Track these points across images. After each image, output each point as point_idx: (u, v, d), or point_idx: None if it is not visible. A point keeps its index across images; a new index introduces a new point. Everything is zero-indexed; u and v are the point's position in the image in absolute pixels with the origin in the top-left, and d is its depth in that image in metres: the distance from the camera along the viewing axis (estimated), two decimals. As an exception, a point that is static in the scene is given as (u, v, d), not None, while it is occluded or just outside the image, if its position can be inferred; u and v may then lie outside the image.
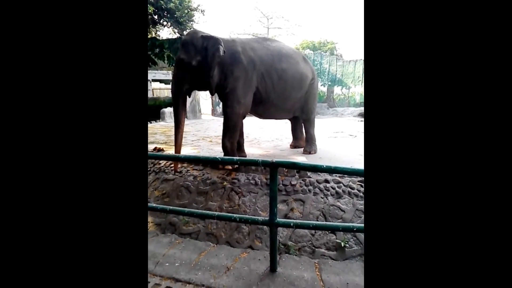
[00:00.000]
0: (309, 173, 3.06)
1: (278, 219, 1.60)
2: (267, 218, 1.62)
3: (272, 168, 1.58)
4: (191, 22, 12.28)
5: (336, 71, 14.31)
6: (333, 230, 2.46)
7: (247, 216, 2.32)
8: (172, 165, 3.41)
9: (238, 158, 1.89)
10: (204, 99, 11.66)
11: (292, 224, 1.64)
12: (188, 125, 7.42)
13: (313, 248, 2.56)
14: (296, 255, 2.06)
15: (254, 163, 1.75)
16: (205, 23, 28.45)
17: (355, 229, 1.56)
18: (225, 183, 3.06)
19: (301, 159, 3.70)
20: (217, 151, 3.95)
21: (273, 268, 1.62)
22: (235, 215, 1.82)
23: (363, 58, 14.54)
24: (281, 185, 2.98)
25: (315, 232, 2.61)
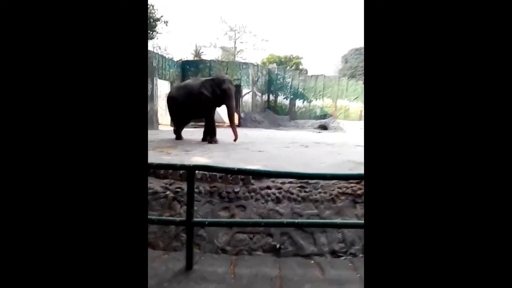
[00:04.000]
0: (252, 181, 3.18)
1: (194, 219, 1.68)
2: (184, 219, 1.70)
3: (189, 171, 1.68)
4: (153, 32, 12.24)
5: (298, 85, 14.95)
6: (243, 225, 2.60)
7: (163, 217, 2.40)
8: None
9: (157, 163, 2.01)
10: (162, 109, 11.51)
11: (206, 222, 1.75)
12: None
13: (251, 251, 2.65)
14: (216, 254, 2.14)
15: (172, 167, 1.84)
16: (169, 34, 28.18)
17: (262, 223, 1.72)
18: (167, 192, 3.08)
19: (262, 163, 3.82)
20: (164, 160, 3.94)
21: (189, 266, 1.69)
22: (153, 217, 1.88)
23: (324, 74, 15.39)
24: (224, 192, 3.06)
25: (253, 236, 2.71)
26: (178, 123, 6.75)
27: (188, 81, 6.86)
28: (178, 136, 6.61)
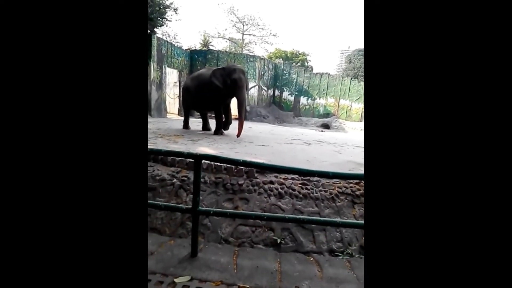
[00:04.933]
0: (256, 174, 3.25)
1: (200, 207, 1.75)
2: (190, 207, 1.77)
3: (196, 160, 1.74)
4: (163, 20, 12.16)
5: (303, 82, 14.93)
6: (247, 218, 2.68)
7: (171, 204, 2.50)
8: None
9: (165, 149, 2.10)
10: (171, 98, 11.52)
11: (211, 212, 1.81)
12: (151, 123, 7.36)
13: (252, 244, 2.73)
14: (219, 244, 2.22)
15: (180, 154, 1.92)
16: (178, 22, 28.15)
17: (265, 217, 1.81)
18: (174, 180, 3.14)
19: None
20: (171, 148, 4.00)
21: (194, 253, 1.76)
22: (161, 203, 1.95)
23: (328, 72, 15.35)
24: (228, 184, 3.13)
25: (255, 229, 2.79)
26: (188, 114, 6.82)
27: (201, 71, 6.50)
28: (186, 126, 6.69)
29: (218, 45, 25.73)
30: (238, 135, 5.62)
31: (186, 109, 6.86)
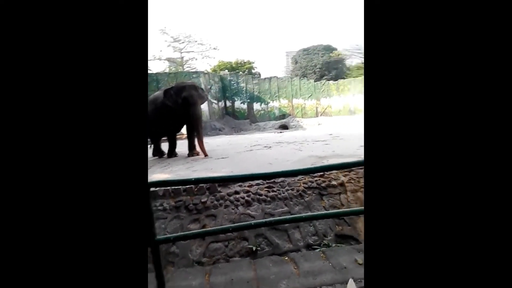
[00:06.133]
0: (219, 188, 3.14)
1: (159, 236, 1.61)
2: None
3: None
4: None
5: (253, 89, 15.16)
6: (213, 234, 2.50)
7: None
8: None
9: None
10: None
11: (172, 238, 1.68)
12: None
13: (228, 258, 2.61)
14: (188, 267, 2.09)
15: None
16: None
17: (231, 229, 1.74)
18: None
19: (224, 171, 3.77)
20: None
21: (160, 285, 1.61)
22: None
23: (277, 76, 15.80)
24: (191, 205, 2.98)
25: (228, 243, 2.68)
26: (153, 140, 5.96)
27: (156, 93, 5.80)
28: (157, 153, 5.93)
29: (156, 67, 25.08)
30: (206, 155, 5.14)
31: (152, 137, 5.94)
